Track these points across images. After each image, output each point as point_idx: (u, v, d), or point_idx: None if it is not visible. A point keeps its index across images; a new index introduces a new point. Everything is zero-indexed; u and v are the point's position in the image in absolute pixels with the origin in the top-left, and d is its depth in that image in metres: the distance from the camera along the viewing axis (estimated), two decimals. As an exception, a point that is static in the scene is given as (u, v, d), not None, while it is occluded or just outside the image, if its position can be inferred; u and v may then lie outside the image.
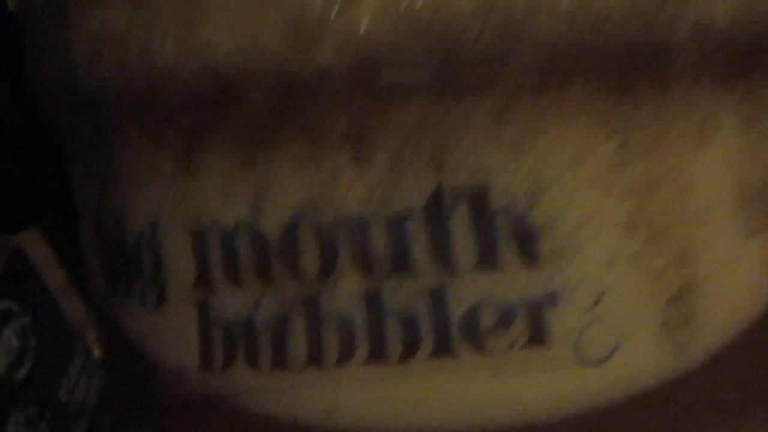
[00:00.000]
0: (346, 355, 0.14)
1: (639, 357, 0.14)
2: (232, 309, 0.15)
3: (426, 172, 0.13)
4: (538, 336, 0.14)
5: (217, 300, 0.15)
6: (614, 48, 0.13)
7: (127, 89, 0.15)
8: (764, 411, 0.15)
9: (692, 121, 0.14)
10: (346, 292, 0.14)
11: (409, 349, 0.14)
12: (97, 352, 0.27)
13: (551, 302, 0.14)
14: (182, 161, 0.15)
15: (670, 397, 0.14)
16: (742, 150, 0.15)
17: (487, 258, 0.13)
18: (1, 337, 0.25)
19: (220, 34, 0.13)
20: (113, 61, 0.15)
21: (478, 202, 0.13)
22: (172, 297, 0.16)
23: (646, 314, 0.14)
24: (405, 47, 0.13)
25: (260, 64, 0.13)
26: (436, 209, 0.13)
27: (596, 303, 0.14)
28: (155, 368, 0.16)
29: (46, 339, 0.26)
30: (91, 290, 0.19)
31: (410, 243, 0.14)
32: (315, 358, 0.14)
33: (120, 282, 0.17)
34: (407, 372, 0.14)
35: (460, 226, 0.13)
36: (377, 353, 0.14)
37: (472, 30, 0.12)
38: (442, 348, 0.14)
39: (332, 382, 0.14)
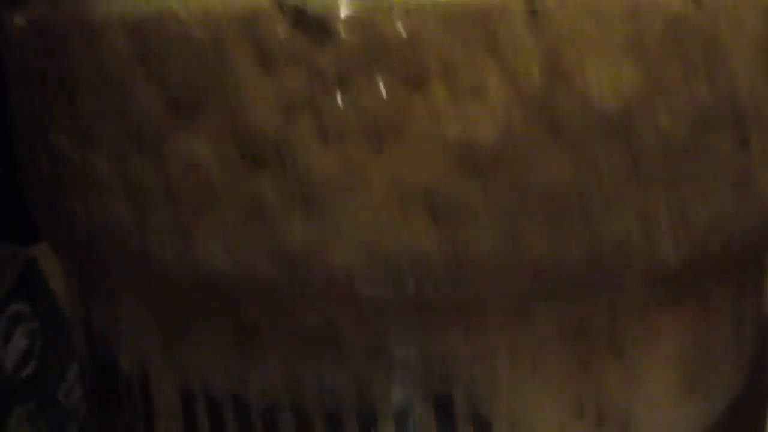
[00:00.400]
0: None
1: None
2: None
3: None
4: None
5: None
6: (573, 290, 0.14)
7: (126, 261, 0.15)
8: None
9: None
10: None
11: None
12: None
13: None
14: (174, 330, 0.16)
15: None
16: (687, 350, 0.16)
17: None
18: (13, 336, 0.27)
19: (215, 246, 0.14)
20: (112, 241, 0.15)
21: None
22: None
23: None
24: (380, 282, 0.14)
25: (252, 282, 0.14)
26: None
27: None
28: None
29: (51, 343, 0.29)
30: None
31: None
32: None
33: (111, 404, 0.18)
34: None
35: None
36: None
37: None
38: None
39: None
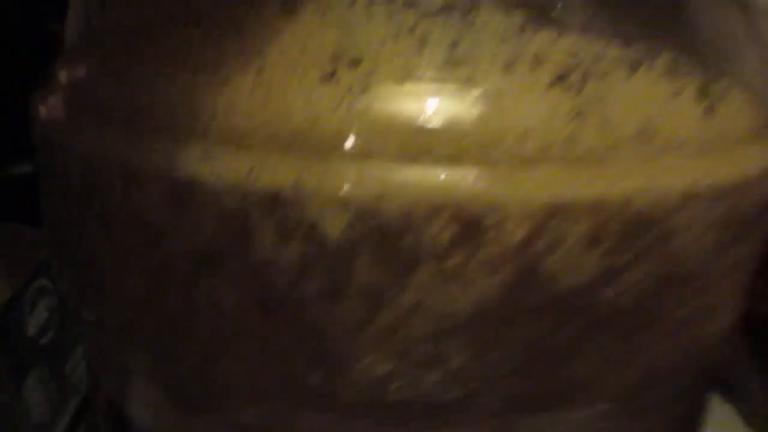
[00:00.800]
0: None
1: None
2: None
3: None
4: None
5: None
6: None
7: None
8: None
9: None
10: None
11: None
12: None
13: None
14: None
15: None
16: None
17: None
18: (37, 307, 0.31)
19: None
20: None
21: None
22: None
23: None
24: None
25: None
26: None
27: None
28: None
29: (64, 321, 0.32)
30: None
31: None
32: None
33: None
34: None
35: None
36: None
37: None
38: None
39: None
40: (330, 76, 0.15)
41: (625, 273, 0.16)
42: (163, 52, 0.17)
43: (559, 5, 0.17)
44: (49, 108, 0.20)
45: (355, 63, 0.15)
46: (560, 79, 0.15)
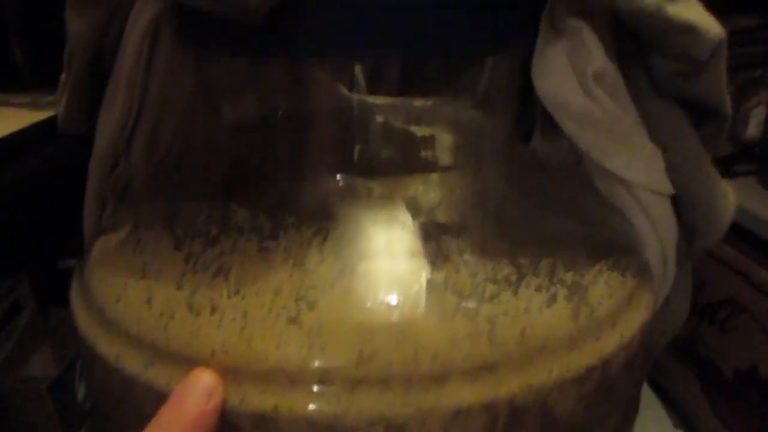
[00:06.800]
0: None
1: None
2: None
3: None
4: None
5: None
6: None
7: None
8: None
9: None
10: None
11: None
12: None
13: None
14: None
15: None
16: None
17: None
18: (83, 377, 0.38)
19: None
20: None
21: None
22: None
23: None
24: None
25: None
26: None
27: None
28: None
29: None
30: None
31: None
32: None
33: None
34: None
35: None
36: None
37: None
38: None
39: None
40: (294, 319, 0.21)
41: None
42: (168, 290, 0.23)
43: (454, 246, 0.23)
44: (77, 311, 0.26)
45: (312, 305, 0.21)
46: (461, 306, 0.21)
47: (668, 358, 0.88)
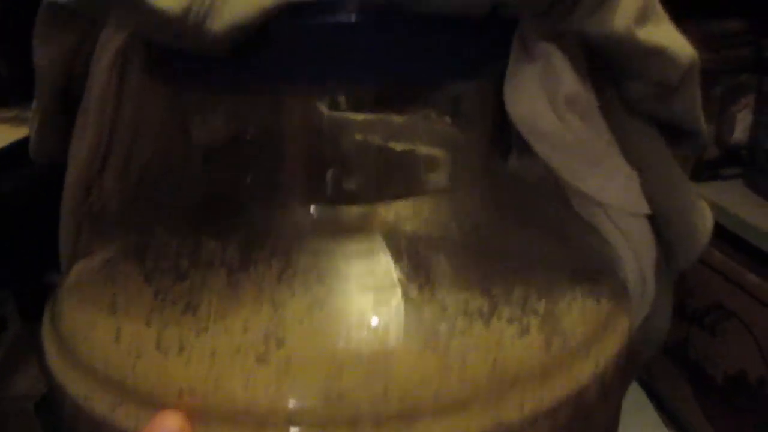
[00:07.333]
0: None
1: None
2: None
3: None
4: None
5: None
6: None
7: None
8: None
9: None
10: None
11: None
12: None
13: None
14: None
15: None
16: None
17: None
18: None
19: None
20: None
21: None
22: None
23: None
24: None
25: None
26: None
27: None
28: None
29: None
30: None
31: None
32: None
33: None
34: None
35: None
36: None
37: None
38: None
39: None
40: (262, 358, 0.21)
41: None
42: (136, 327, 0.23)
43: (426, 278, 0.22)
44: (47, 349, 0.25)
45: (281, 343, 0.21)
46: (431, 341, 0.21)
47: (660, 362, 0.88)
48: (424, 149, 0.25)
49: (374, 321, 0.21)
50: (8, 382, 0.55)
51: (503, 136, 0.30)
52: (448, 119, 0.26)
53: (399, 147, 0.25)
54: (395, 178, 0.25)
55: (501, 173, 0.30)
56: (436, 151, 0.26)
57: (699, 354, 0.80)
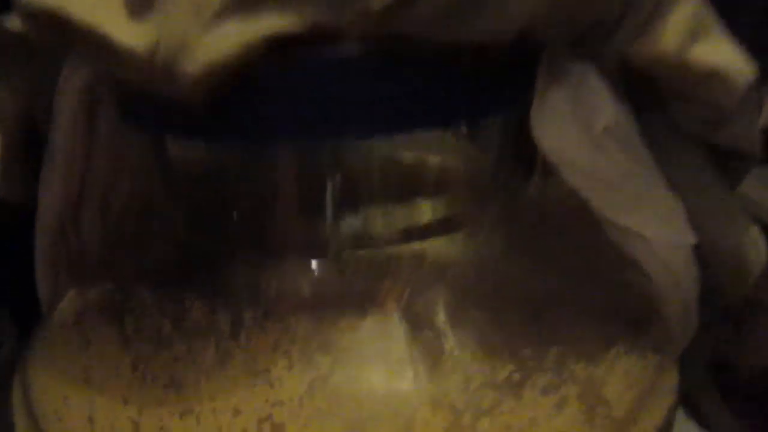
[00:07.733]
0: None
1: None
2: None
3: None
4: None
5: None
6: None
7: None
8: None
9: None
10: None
11: None
12: None
13: None
14: None
15: None
16: None
17: None
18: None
19: None
20: None
21: None
22: None
23: None
24: None
25: None
26: None
27: None
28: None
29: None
30: None
31: None
32: None
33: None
34: None
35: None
36: None
37: None
38: None
39: None
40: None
41: None
42: (112, 406, 0.20)
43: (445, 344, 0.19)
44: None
45: (278, 429, 0.18)
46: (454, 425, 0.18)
47: (682, 353, 0.85)
48: (433, 193, 0.22)
49: (386, 401, 0.18)
50: (3, 402, 0.52)
51: (523, 155, 0.27)
52: (465, 150, 0.23)
53: (405, 188, 0.22)
54: (402, 223, 0.22)
55: (523, 199, 0.26)
56: (447, 196, 0.23)
57: (723, 347, 0.77)
